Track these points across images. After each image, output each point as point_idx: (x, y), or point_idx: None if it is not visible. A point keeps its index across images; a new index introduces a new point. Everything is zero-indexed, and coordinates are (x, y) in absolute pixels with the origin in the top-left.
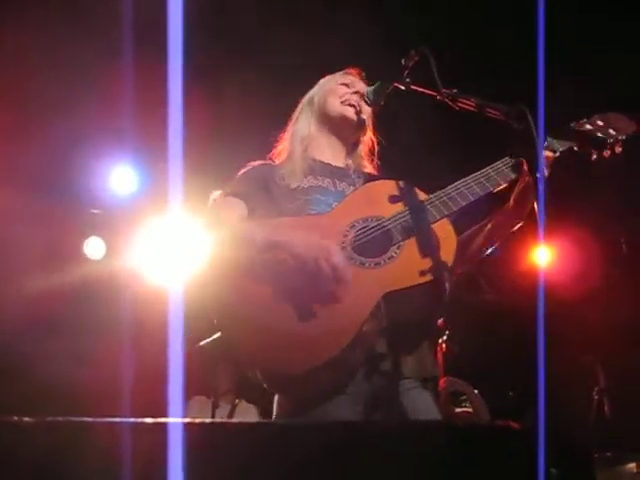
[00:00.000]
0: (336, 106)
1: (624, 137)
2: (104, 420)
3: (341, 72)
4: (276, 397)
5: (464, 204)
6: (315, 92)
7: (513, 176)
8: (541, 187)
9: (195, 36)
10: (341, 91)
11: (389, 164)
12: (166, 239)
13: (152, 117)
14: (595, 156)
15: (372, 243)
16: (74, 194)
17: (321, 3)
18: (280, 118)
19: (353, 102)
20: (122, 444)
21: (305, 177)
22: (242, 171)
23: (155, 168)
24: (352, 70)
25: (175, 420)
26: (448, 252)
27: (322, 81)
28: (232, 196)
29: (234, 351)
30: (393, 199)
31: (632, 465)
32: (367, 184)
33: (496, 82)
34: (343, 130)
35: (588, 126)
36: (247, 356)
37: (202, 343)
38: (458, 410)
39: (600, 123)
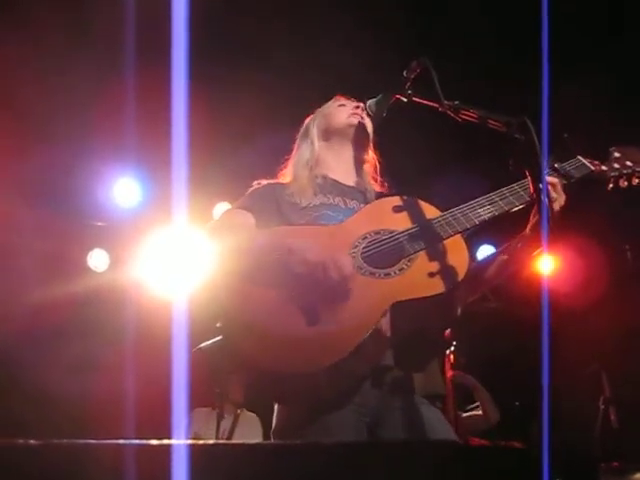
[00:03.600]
0: (342, 119)
1: None
2: (109, 442)
3: (332, 100)
4: (276, 408)
5: (477, 223)
6: (310, 121)
7: (528, 198)
8: (544, 198)
9: (198, 48)
10: (342, 108)
11: (398, 178)
12: (170, 251)
13: (155, 129)
14: (612, 185)
15: (383, 254)
16: (78, 206)
17: (324, 9)
18: (284, 129)
19: (358, 113)
20: (126, 466)
21: (315, 195)
22: (251, 189)
23: (159, 180)
24: (340, 96)
25: (179, 442)
26: (459, 268)
27: (316, 113)
28: (239, 209)
29: (238, 353)
30: (404, 213)
31: (639, 475)
32: (380, 199)
33: (497, 93)
34: (350, 142)
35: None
36: (251, 359)
37: (202, 345)
38: (465, 415)
39: (617, 155)
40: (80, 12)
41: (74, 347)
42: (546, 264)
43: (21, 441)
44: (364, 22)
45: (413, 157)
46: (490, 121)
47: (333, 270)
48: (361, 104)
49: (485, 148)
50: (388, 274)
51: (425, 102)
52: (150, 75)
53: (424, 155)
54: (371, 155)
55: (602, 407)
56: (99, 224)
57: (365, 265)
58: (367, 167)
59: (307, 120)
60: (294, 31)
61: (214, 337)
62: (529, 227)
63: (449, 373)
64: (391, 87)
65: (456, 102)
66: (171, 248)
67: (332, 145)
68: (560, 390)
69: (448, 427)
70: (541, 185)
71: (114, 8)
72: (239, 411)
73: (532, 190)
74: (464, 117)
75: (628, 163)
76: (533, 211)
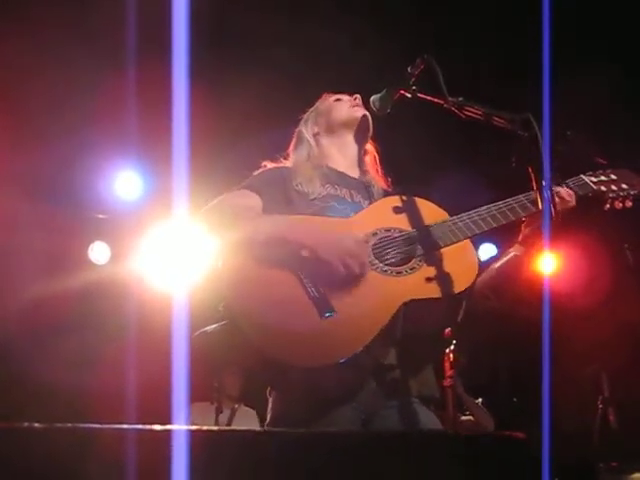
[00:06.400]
0: (344, 111)
1: (635, 192)
2: (111, 427)
3: (321, 99)
4: (270, 400)
5: (486, 229)
6: (302, 126)
7: (534, 209)
8: (547, 195)
9: (199, 42)
10: (341, 102)
11: (399, 172)
12: (171, 244)
13: (157, 122)
14: (608, 205)
15: (395, 252)
16: (79, 199)
17: (324, 5)
18: (285, 124)
19: (359, 105)
20: (128, 450)
21: (322, 186)
22: (258, 171)
23: (160, 173)
24: (329, 93)
25: (181, 427)
26: (470, 270)
27: (307, 115)
28: (247, 189)
29: (243, 341)
30: (412, 213)
31: (637, 475)
32: (387, 197)
33: (500, 90)
34: (354, 134)
35: (603, 177)
36: (257, 348)
37: (207, 328)
38: (464, 418)
39: (614, 177)
40: (81, 6)
41: (75, 340)
42: (547, 264)
43: (25, 424)
44: (366, 19)
45: (415, 151)
46: (494, 118)
47: (351, 260)
48: (357, 95)
49: (487, 144)
50: (400, 272)
51: (429, 98)
52: (151, 69)
53: (426, 149)
54: (370, 145)
55: (601, 407)
56: (100, 217)
57: (376, 261)
58: (368, 158)
59: (298, 129)
60: (294, 27)
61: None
62: (521, 237)
63: (449, 372)
64: (395, 83)
65: (460, 99)
66: (172, 241)
67: (334, 139)
68: (559, 389)
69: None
70: (544, 182)
71: (115, 2)
72: (236, 406)
73: (535, 187)
74: (468, 114)
75: (624, 186)
76: (525, 222)
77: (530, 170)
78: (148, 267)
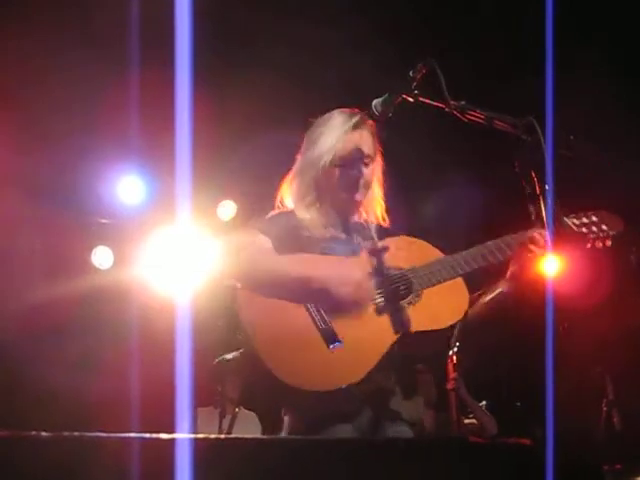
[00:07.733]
0: (340, 193)
1: (614, 232)
2: (117, 435)
3: (340, 124)
4: (286, 419)
5: (476, 267)
6: (312, 163)
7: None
8: (550, 197)
9: (202, 46)
10: (342, 181)
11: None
12: (174, 249)
13: (160, 127)
14: (589, 245)
15: (393, 288)
16: (82, 204)
17: (326, 7)
18: (287, 127)
19: (358, 188)
20: (133, 459)
21: (325, 228)
22: (270, 214)
23: (163, 178)
24: (349, 110)
25: (184, 436)
26: (461, 306)
27: (316, 152)
28: (261, 233)
29: (265, 367)
30: (408, 253)
31: None
32: (388, 238)
33: (503, 93)
34: (350, 207)
35: (585, 220)
36: (277, 373)
37: (228, 357)
38: (467, 421)
39: (594, 219)
40: (84, 10)
41: (78, 344)
42: (550, 266)
43: (33, 433)
44: (368, 21)
45: (416, 154)
46: (496, 122)
47: (356, 294)
48: (360, 168)
49: (487, 148)
50: None
51: (432, 102)
52: (154, 73)
53: (427, 152)
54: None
55: (605, 410)
56: (103, 222)
57: (377, 297)
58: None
59: (315, 152)
60: (297, 29)
61: (217, 335)
62: (509, 274)
63: (452, 374)
64: (397, 87)
65: (462, 102)
66: (175, 246)
67: (328, 203)
68: (563, 392)
69: None
70: (547, 186)
71: (118, 4)
72: (237, 409)
73: (538, 192)
74: (470, 118)
75: (604, 227)
76: (513, 259)
77: (533, 175)
78: (151, 272)
